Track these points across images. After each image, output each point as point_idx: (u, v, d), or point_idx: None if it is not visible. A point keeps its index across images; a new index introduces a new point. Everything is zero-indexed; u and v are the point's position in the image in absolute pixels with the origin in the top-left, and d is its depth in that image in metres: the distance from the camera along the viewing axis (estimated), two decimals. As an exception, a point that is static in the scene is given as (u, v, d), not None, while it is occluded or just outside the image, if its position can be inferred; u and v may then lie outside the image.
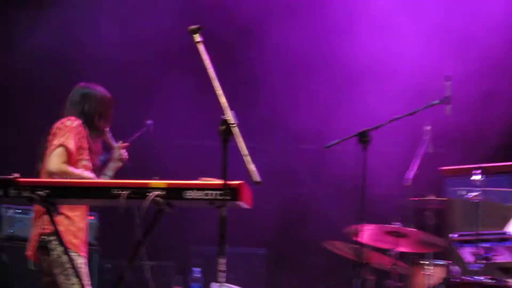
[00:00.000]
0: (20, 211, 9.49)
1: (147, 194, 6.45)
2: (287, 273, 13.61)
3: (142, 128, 10.33)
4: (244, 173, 6.14)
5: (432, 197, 11.12)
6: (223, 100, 6.46)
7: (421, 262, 10.68)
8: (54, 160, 7.44)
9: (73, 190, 6.69)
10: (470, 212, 9.36)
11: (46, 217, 7.30)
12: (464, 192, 9.56)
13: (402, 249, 9.91)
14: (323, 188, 12.66)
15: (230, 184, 6.40)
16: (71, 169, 7.40)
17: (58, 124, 7.69)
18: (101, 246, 9.78)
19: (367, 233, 9.43)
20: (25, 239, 9.33)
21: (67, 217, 7.38)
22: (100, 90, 8.06)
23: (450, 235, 10.03)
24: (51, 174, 7.36)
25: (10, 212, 9.53)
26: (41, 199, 6.54)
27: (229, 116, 6.42)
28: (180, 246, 11.77)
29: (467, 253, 9.23)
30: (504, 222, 10.12)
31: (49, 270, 7.61)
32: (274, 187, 12.93)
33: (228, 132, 6.43)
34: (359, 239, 9.09)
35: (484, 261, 9.04)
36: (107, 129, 8.08)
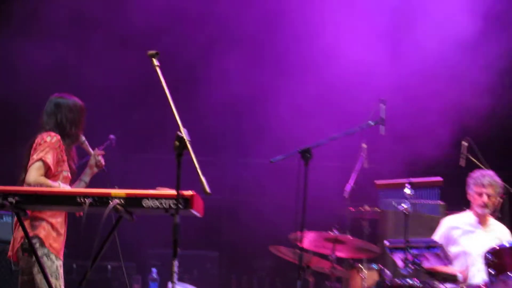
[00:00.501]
0: None
1: (108, 202, 6.49)
2: (237, 274, 13.62)
3: (105, 142, 10.38)
4: (197, 184, 6.19)
5: (368, 208, 11.22)
6: (177, 118, 6.52)
7: (357, 266, 10.77)
8: (33, 173, 7.41)
9: (41, 198, 6.71)
10: (401, 222, 9.41)
11: (28, 222, 7.41)
12: (396, 204, 9.60)
13: (340, 254, 9.93)
14: (270, 199, 12.70)
15: (183, 194, 6.45)
16: (47, 181, 7.37)
17: (39, 139, 7.64)
18: (67, 248, 9.78)
19: (309, 240, 9.45)
20: (2, 241, 9.37)
21: (49, 223, 7.37)
22: (71, 98, 7.98)
23: (384, 242, 10.10)
24: (29, 185, 7.32)
25: (-15, 216, 9.54)
26: (11, 205, 6.57)
27: (183, 133, 6.48)
28: (140, 249, 11.79)
29: (398, 259, 9.26)
30: (431, 231, 10.22)
31: (28, 270, 7.54)
32: (225, 197, 13.00)
33: (182, 147, 6.49)
34: (301, 245, 9.15)
35: (413, 266, 9.10)
36: (83, 137, 8.02)
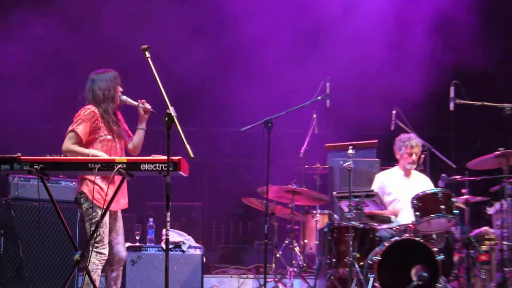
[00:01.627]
0: (22, 179, 9.46)
1: (114, 167, 6.65)
2: (216, 220, 13.66)
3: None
4: (183, 151, 6.32)
5: (319, 166, 11.33)
6: (166, 98, 6.67)
7: (312, 211, 10.90)
8: (66, 142, 7.48)
9: (60, 164, 6.83)
10: (345, 176, 9.46)
11: (80, 181, 7.59)
12: (341, 162, 9.70)
13: (298, 203, 10.02)
14: (242, 160, 12.72)
15: (172, 159, 6.61)
16: (78, 148, 7.40)
17: (77, 113, 7.64)
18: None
19: (272, 192, 9.54)
20: (26, 199, 9.45)
21: (91, 181, 7.37)
22: (103, 70, 7.83)
23: (332, 192, 10.21)
24: (64, 152, 7.38)
25: (16, 179, 9.52)
26: (36, 171, 6.72)
27: (171, 110, 6.62)
28: (139, 202, 11.77)
29: (344, 205, 9.29)
30: (370, 183, 10.29)
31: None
32: (206, 159, 13.03)
33: (170, 122, 6.64)
34: (267, 196, 9.27)
35: (355, 211, 9.19)
36: (123, 96, 7.82)
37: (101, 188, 7.51)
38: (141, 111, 7.84)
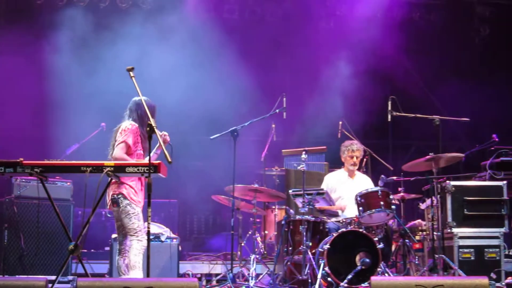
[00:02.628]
0: (24, 180, 9.43)
1: (102, 170, 6.66)
2: (189, 215, 13.66)
3: (98, 128, 10.44)
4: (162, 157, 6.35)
5: (277, 168, 11.34)
6: (148, 111, 6.70)
7: (271, 207, 10.92)
8: (118, 151, 7.48)
9: (56, 168, 6.88)
10: (299, 177, 9.53)
11: (116, 185, 7.56)
12: (296, 165, 9.71)
13: (259, 199, 10.04)
14: (212, 163, 12.66)
15: (153, 163, 6.65)
16: (126, 157, 7.42)
17: (123, 126, 7.67)
18: (75, 200, 9.77)
19: (238, 190, 9.56)
20: (27, 198, 9.41)
21: (128, 185, 7.42)
22: (147, 99, 7.72)
23: (288, 190, 10.24)
24: (115, 159, 7.41)
25: (18, 180, 9.49)
26: (37, 173, 6.74)
27: (152, 122, 6.65)
28: None
29: (298, 201, 9.32)
30: (320, 183, 10.31)
31: (118, 217, 7.69)
32: (182, 162, 13.01)
33: (151, 131, 6.69)
34: (233, 194, 9.30)
35: (308, 206, 9.21)
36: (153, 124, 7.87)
37: (135, 191, 7.61)
38: (161, 141, 7.84)
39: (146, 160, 7.13)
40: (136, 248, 7.57)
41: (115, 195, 7.62)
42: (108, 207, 7.79)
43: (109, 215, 11.76)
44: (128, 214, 7.49)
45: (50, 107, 12.18)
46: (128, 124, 7.72)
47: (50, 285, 6.58)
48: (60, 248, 9.37)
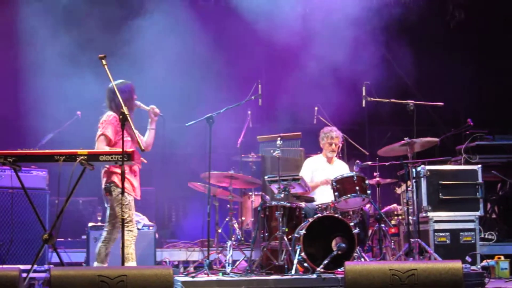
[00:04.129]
0: None
1: (76, 158, 6.65)
2: (167, 203, 13.65)
3: (74, 116, 10.40)
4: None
5: (253, 154, 11.35)
6: (121, 100, 6.69)
7: (247, 193, 10.94)
8: (98, 145, 7.50)
9: (29, 157, 6.87)
10: (275, 163, 9.53)
11: (107, 174, 7.62)
12: (271, 151, 9.72)
13: (235, 186, 10.05)
14: (188, 150, 12.62)
15: (126, 151, 6.64)
16: (106, 148, 7.35)
17: (101, 119, 7.65)
18: (51, 189, 9.72)
19: (214, 177, 9.56)
20: (2, 187, 9.33)
21: (119, 173, 7.45)
22: (121, 82, 7.75)
23: (264, 177, 10.26)
24: None
25: (-7, 170, 9.46)
26: (10, 163, 6.73)
27: (125, 109, 6.63)
28: (101, 188, 11.70)
29: (274, 188, 9.35)
30: (295, 169, 10.36)
31: (112, 205, 7.70)
32: (157, 150, 12.96)
33: (124, 119, 6.67)
34: (209, 181, 9.31)
35: (284, 192, 9.25)
36: (137, 103, 7.85)
37: (127, 179, 7.55)
38: (151, 115, 7.94)
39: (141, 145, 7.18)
40: (127, 239, 7.53)
41: (107, 184, 7.66)
42: (104, 196, 7.83)
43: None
44: (119, 203, 7.48)
45: (26, 95, 12.08)
46: (104, 116, 7.70)
47: (24, 274, 6.59)
48: (36, 237, 9.32)
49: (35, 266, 7.89)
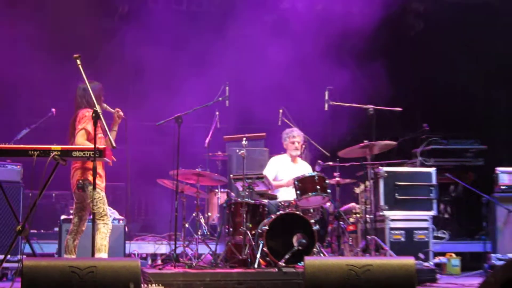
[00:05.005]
0: None
1: (49, 153, 6.62)
2: (137, 198, 13.56)
3: (48, 113, 10.31)
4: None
5: (220, 153, 11.34)
6: (94, 99, 6.68)
7: (214, 190, 10.94)
8: (79, 139, 7.48)
9: (5, 152, 6.83)
10: (240, 162, 9.52)
11: (80, 171, 7.65)
12: (237, 150, 9.73)
13: (203, 183, 10.04)
14: (157, 148, 12.50)
15: (98, 148, 6.63)
16: (86, 143, 7.38)
17: (80, 114, 7.62)
18: (24, 183, 9.64)
19: (182, 174, 9.51)
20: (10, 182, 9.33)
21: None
22: (92, 82, 7.62)
23: (230, 175, 10.28)
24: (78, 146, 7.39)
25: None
26: (-13, 157, 6.71)
27: (98, 108, 6.62)
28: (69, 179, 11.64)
29: (239, 185, 9.39)
30: (260, 167, 10.37)
31: (81, 200, 7.78)
32: (127, 147, 12.85)
33: (96, 117, 6.66)
34: (177, 178, 9.30)
35: (248, 190, 9.27)
36: (104, 105, 7.87)
37: (99, 175, 7.62)
38: (116, 117, 7.95)
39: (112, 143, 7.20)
40: (102, 231, 7.60)
41: (80, 181, 7.65)
42: (73, 190, 7.83)
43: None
44: (94, 199, 7.47)
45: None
46: (85, 112, 7.67)
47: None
48: (9, 229, 9.25)
49: (8, 256, 7.84)
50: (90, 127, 7.52)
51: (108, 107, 7.92)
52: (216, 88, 10.05)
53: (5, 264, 8.22)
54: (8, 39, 12.04)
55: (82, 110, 7.71)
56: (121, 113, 7.91)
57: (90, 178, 7.50)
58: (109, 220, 7.75)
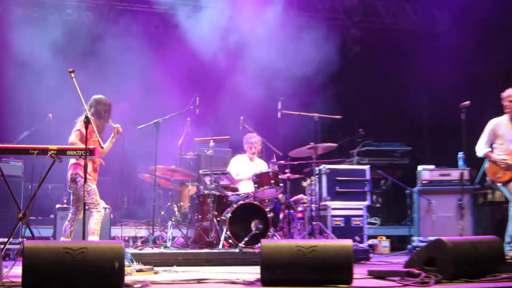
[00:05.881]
0: None
1: (47, 152, 6.54)
2: (120, 191, 13.42)
3: (46, 118, 10.21)
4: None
5: (191, 153, 11.29)
6: (86, 106, 6.60)
7: (186, 183, 10.89)
8: (72, 137, 7.58)
9: (9, 150, 6.74)
10: (208, 160, 9.51)
11: (73, 166, 7.70)
12: (205, 151, 9.70)
13: (177, 178, 9.98)
14: (138, 148, 12.33)
15: (89, 148, 6.57)
16: (77, 142, 7.47)
17: (81, 118, 7.59)
18: (25, 177, 9.51)
19: (159, 170, 9.49)
20: (14, 176, 9.25)
21: (83, 166, 7.41)
22: (104, 97, 7.94)
23: (199, 171, 10.26)
24: (70, 143, 7.51)
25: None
26: (-8, 155, 6.60)
27: (89, 114, 6.56)
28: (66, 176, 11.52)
29: (206, 180, 9.35)
30: (224, 165, 10.34)
31: (75, 192, 7.78)
32: (114, 147, 12.75)
33: (88, 122, 6.60)
34: (155, 173, 9.24)
35: (214, 183, 9.26)
36: (109, 118, 7.96)
37: (90, 173, 7.58)
38: (115, 131, 7.95)
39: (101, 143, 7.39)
40: (96, 217, 7.63)
41: (73, 175, 7.68)
42: (68, 184, 7.82)
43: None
44: (85, 191, 7.41)
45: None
46: (80, 118, 7.65)
47: (1, 246, 6.48)
48: (12, 216, 9.13)
49: (11, 239, 7.76)
50: (83, 130, 7.48)
51: (111, 122, 7.96)
52: (189, 98, 10.04)
53: (8, 246, 8.10)
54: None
55: (81, 117, 7.67)
56: (120, 129, 7.94)
57: (80, 172, 7.54)
58: (101, 208, 7.74)
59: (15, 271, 5.69)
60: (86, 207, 7.63)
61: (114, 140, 8.05)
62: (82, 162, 7.37)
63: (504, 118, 8.75)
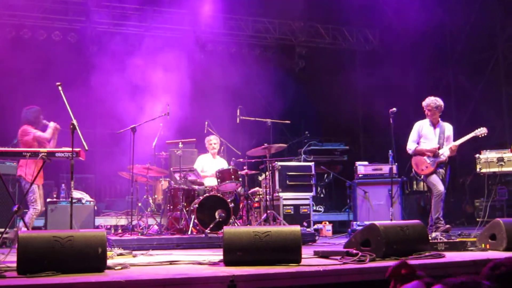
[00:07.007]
0: None
1: (38, 154, 6.42)
2: (103, 185, 13.32)
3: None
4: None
5: (164, 153, 11.17)
6: (71, 114, 6.48)
7: (159, 179, 10.77)
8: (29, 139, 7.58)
9: (4, 153, 6.59)
10: (177, 159, 9.40)
11: (22, 167, 7.64)
12: (176, 151, 9.61)
13: (151, 174, 9.87)
14: (118, 149, 12.12)
15: (75, 150, 6.46)
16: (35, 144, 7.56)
17: (24, 129, 7.78)
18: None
19: (136, 168, 9.36)
20: (9, 174, 8.96)
21: (25, 167, 7.32)
22: (34, 107, 8.00)
23: (170, 168, 10.17)
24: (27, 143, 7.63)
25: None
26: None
27: (74, 121, 6.45)
28: (56, 175, 11.35)
29: (176, 176, 9.24)
30: (191, 163, 10.24)
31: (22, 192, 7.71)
32: (96, 149, 12.59)
33: (74, 128, 6.48)
34: (132, 170, 9.14)
35: (183, 179, 9.20)
36: (42, 121, 7.95)
37: (32, 172, 7.37)
38: (54, 128, 7.95)
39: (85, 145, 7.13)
40: (30, 213, 7.81)
41: (19, 176, 7.72)
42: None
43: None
44: (31, 192, 7.39)
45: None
46: (25, 128, 7.92)
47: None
48: (8, 209, 8.93)
49: (7, 229, 7.61)
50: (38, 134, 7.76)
51: (46, 122, 7.99)
52: (161, 107, 9.99)
53: (4, 235, 7.92)
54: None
55: (24, 126, 7.90)
56: (58, 126, 7.94)
57: (22, 173, 7.69)
58: (38, 205, 7.85)
59: (10, 258, 5.56)
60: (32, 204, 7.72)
61: (56, 135, 8.01)
62: (22, 163, 7.52)
63: (426, 121, 8.89)
